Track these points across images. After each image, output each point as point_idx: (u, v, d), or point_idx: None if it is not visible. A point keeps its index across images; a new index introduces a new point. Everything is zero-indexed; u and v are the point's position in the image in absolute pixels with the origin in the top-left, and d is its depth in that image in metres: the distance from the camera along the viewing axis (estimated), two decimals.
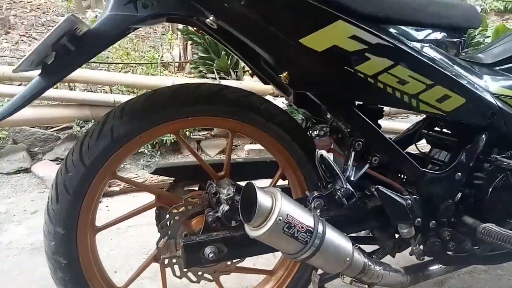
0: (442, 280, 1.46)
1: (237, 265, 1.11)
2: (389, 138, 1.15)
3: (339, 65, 0.92)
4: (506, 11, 8.91)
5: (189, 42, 4.01)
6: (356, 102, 1.04)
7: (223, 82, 3.25)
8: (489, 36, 4.39)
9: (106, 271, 1.08)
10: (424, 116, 1.35)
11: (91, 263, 1.03)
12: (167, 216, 1.02)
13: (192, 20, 0.96)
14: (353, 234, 1.20)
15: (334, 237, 0.90)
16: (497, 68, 1.24)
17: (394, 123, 3.32)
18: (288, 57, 0.90)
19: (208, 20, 0.83)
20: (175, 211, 1.03)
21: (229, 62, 3.35)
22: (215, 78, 3.33)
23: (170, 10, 0.83)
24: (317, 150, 0.96)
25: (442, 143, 1.30)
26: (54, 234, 0.96)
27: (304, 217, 0.85)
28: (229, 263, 1.08)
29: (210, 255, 0.93)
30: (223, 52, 3.30)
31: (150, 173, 1.13)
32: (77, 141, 0.98)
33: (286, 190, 1.20)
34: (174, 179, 1.13)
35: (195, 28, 1.05)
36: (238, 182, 1.09)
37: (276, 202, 0.83)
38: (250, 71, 1.26)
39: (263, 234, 0.81)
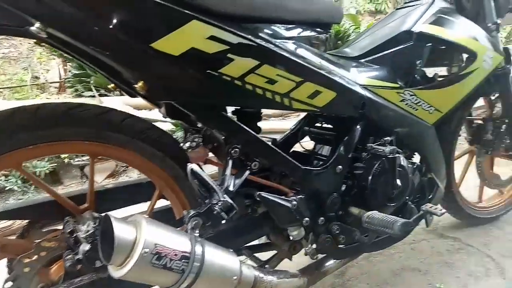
0: (343, 271, 1.48)
1: None
2: (267, 139, 1.12)
3: (201, 69, 0.85)
4: (378, 12, 10.16)
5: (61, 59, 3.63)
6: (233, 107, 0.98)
7: (104, 99, 2.97)
8: None
9: None
10: (305, 113, 1.35)
11: None
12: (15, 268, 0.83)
13: (26, 30, 0.79)
14: (249, 244, 1.15)
15: (216, 256, 0.81)
16: (363, 60, 1.29)
17: (287, 122, 3.41)
18: (141, 65, 0.80)
19: (33, 28, 0.70)
20: (27, 260, 0.84)
21: None
22: (94, 96, 3.02)
23: None
24: (188, 164, 0.86)
25: (323, 138, 1.31)
26: None
27: (177, 243, 0.75)
28: None
29: None
30: None
31: None
32: None
33: (168, 211, 1.09)
34: (28, 221, 0.94)
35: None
36: (110, 213, 0.94)
37: (140, 232, 0.71)
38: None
39: (128, 273, 0.68)
